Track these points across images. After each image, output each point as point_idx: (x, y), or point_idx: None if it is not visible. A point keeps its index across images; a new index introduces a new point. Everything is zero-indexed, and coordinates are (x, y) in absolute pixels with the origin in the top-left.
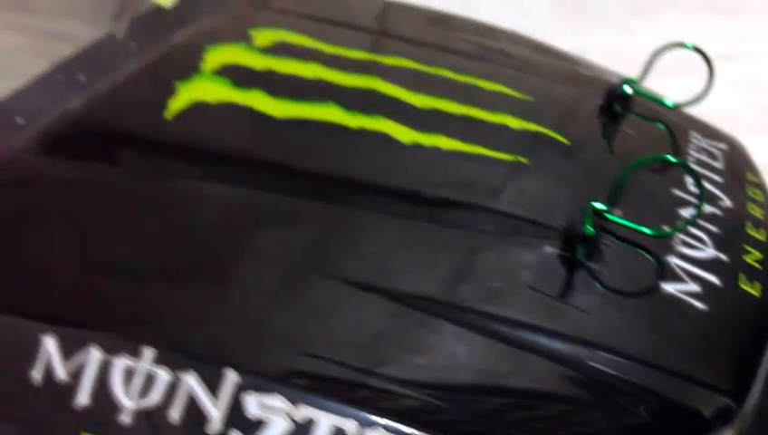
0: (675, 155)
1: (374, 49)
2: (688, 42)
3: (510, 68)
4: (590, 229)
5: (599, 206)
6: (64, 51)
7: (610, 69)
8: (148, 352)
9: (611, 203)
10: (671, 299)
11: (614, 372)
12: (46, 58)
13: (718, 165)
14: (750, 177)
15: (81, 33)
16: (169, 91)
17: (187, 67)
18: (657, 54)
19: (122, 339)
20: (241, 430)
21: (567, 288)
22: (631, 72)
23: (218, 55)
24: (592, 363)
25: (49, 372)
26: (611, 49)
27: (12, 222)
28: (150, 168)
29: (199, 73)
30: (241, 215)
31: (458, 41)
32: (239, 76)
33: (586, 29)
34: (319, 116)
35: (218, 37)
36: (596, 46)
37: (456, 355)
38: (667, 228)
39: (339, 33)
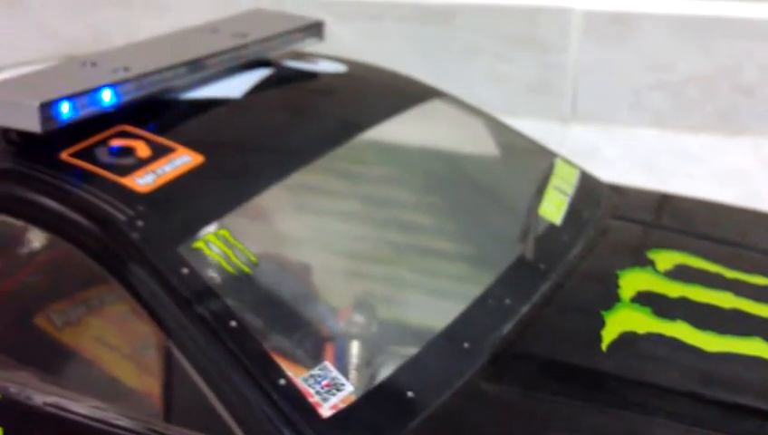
0: None
1: None
2: None
3: None
4: None
5: None
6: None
7: None
8: None
9: None
10: None
11: None
12: None
13: None
14: None
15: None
16: (597, 321)
17: (607, 295)
18: None
19: None
20: None
21: None
22: None
23: (631, 282)
24: None
25: None
26: None
27: None
28: (593, 398)
29: (620, 302)
30: None
31: None
32: (658, 305)
33: None
34: (748, 351)
35: (621, 260)
36: None
37: None
38: None
39: (728, 252)
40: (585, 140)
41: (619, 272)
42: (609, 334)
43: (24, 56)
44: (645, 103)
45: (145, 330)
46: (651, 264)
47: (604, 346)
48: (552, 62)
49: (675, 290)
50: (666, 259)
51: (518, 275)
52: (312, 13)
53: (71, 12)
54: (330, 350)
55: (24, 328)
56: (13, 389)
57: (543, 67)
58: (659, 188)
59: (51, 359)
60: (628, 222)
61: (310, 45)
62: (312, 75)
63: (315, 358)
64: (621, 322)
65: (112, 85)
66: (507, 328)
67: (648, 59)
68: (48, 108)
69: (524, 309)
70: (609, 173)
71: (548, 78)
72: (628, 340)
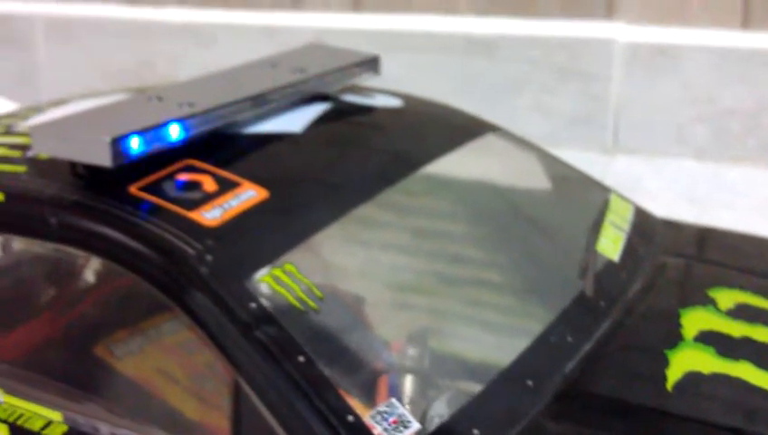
0: None
1: None
2: None
3: None
4: None
5: None
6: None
7: None
8: None
9: None
10: None
11: None
12: None
13: None
14: None
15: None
16: (662, 361)
17: (670, 334)
18: None
19: None
20: None
21: None
22: None
23: (693, 321)
24: None
25: None
26: None
27: None
28: None
29: (683, 341)
30: None
31: None
32: (721, 345)
33: None
34: None
35: (683, 299)
36: None
37: None
38: None
39: None
40: (627, 172)
41: (680, 310)
42: (673, 374)
43: (74, 86)
44: (687, 135)
45: (212, 363)
46: (712, 302)
47: (669, 386)
48: (594, 93)
49: (738, 330)
50: (726, 298)
51: (579, 313)
52: (355, 45)
53: (119, 43)
54: (392, 386)
55: (89, 359)
56: (80, 419)
57: (586, 98)
58: (702, 221)
59: (115, 390)
60: (684, 259)
61: (366, 80)
62: (370, 110)
63: (380, 394)
64: (686, 361)
65: (180, 120)
66: (570, 366)
67: (690, 91)
68: (119, 143)
69: (587, 347)
70: (651, 205)
71: (590, 109)
72: (693, 380)
